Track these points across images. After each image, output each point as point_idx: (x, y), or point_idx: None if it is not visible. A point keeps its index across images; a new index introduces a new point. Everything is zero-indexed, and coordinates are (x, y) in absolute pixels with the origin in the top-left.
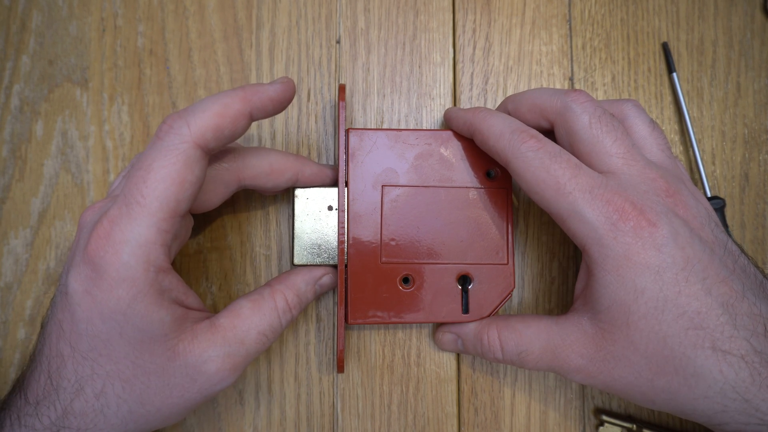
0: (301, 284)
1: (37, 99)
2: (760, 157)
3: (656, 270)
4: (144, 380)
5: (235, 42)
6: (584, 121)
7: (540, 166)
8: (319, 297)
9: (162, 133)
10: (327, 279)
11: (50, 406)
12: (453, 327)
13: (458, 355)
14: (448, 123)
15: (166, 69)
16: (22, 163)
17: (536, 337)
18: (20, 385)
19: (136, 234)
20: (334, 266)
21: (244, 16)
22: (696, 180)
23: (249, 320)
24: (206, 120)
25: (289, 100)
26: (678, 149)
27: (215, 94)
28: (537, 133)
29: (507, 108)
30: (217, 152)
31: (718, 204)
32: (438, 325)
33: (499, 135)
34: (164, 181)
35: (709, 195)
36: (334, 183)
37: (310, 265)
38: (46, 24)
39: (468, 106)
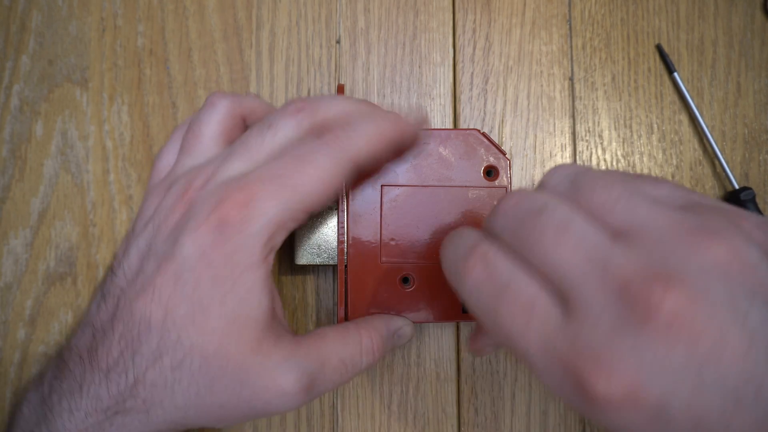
0: (383, 329)
1: (37, 99)
2: (760, 157)
3: None
4: (222, 363)
5: (235, 42)
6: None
7: (487, 310)
8: (395, 348)
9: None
10: (406, 330)
11: (122, 373)
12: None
13: (458, 355)
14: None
15: (166, 69)
16: (22, 163)
17: None
18: (81, 356)
19: (275, 212)
20: (335, 266)
21: (244, 16)
22: (719, 173)
23: (333, 345)
24: (367, 144)
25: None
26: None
27: (370, 116)
28: (488, 247)
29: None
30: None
31: (749, 195)
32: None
33: (448, 265)
34: (321, 180)
35: (737, 187)
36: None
37: (381, 314)
38: (46, 24)
39: (468, 106)
